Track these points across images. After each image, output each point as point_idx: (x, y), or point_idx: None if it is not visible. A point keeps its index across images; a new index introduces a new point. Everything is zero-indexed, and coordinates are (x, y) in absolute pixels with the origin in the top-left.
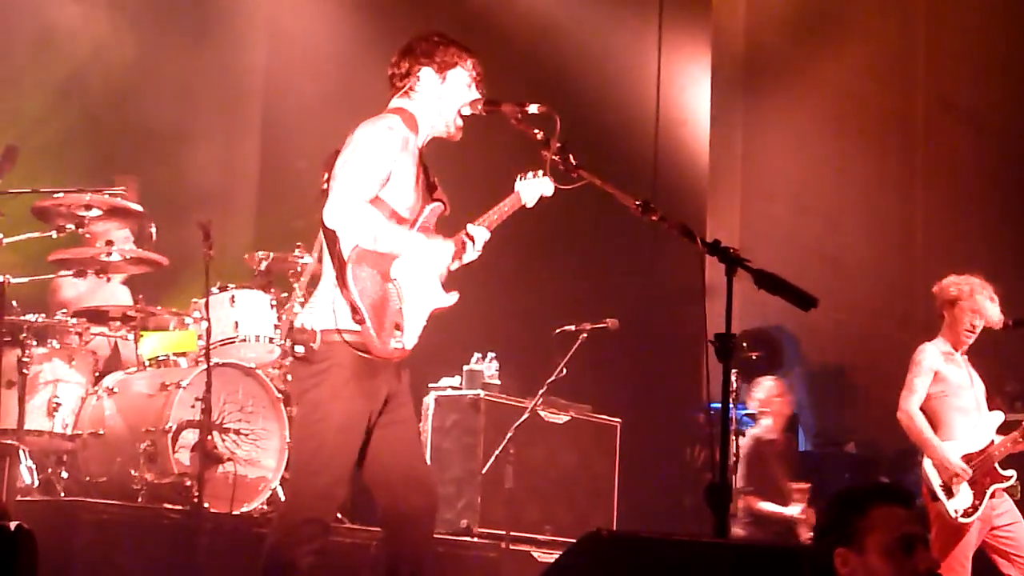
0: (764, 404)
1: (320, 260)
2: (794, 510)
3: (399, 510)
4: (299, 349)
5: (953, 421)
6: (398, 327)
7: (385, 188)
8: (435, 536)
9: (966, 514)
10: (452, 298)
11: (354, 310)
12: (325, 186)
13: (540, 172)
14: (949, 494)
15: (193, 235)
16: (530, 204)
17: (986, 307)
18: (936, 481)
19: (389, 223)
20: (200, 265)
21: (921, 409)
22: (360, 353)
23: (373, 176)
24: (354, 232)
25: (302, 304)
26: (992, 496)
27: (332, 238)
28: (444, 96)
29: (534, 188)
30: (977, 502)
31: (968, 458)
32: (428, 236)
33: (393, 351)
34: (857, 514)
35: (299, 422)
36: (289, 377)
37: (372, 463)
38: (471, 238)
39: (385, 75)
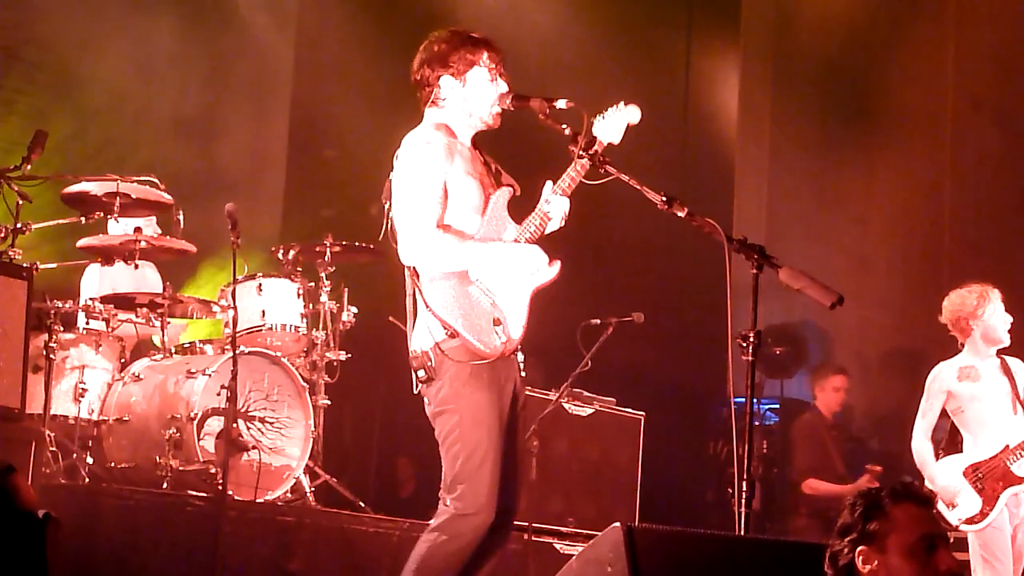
0: (825, 392)
1: (348, 250)
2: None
3: (501, 511)
4: (421, 373)
5: (974, 432)
6: (496, 322)
7: (447, 204)
8: None
9: (971, 521)
10: (554, 269)
11: (444, 326)
12: (388, 218)
13: (619, 105)
14: (951, 507)
15: (221, 223)
16: (616, 140)
17: (1002, 315)
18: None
19: (464, 244)
20: (228, 253)
21: (947, 425)
22: (471, 362)
23: (432, 199)
24: (438, 264)
25: (328, 294)
26: (1016, 501)
27: (408, 267)
28: (470, 98)
29: (617, 122)
30: (987, 508)
31: (975, 467)
32: (504, 229)
33: (499, 347)
34: (879, 513)
35: (441, 434)
36: (426, 401)
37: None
38: (546, 208)
39: (411, 62)
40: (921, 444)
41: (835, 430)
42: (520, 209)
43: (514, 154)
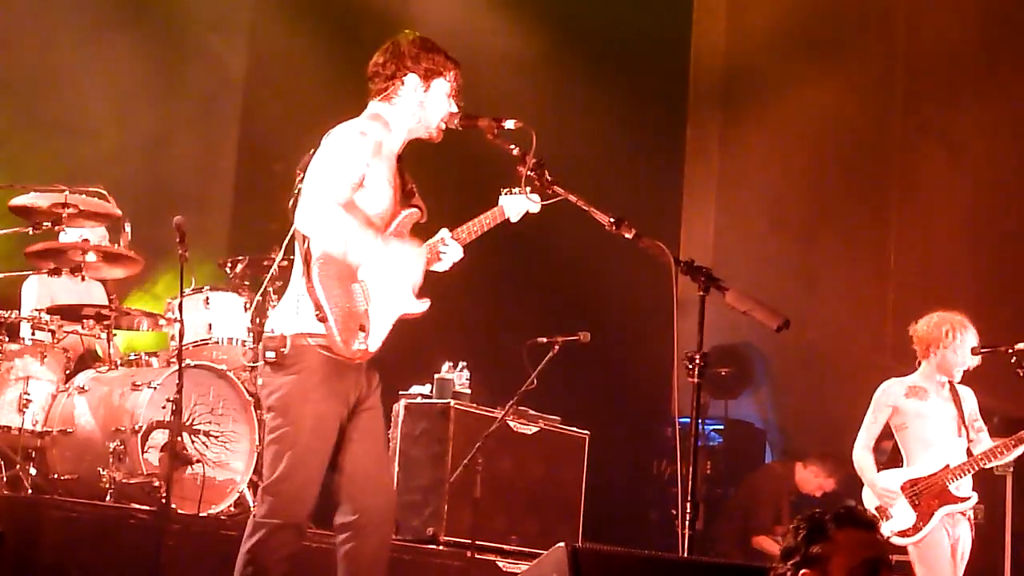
0: (807, 472)
1: (289, 259)
2: None
3: (360, 514)
4: (270, 354)
5: (915, 450)
6: (362, 328)
7: (359, 193)
8: (401, 543)
9: (903, 534)
10: (423, 305)
11: (317, 307)
12: (298, 188)
13: (527, 188)
14: (884, 516)
15: (168, 236)
16: (514, 219)
17: (965, 352)
18: (870, 504)
19: (362, 230)
20: (175, 265)
21: (889, 440)
22: (325, 353)
23: (345, 180)
24: (326, 238)
25: (272, 307)
26: (951, 521)
27: (302, 237)
28: (425, 104)
29: (520, 204)
30: (921, 523)
31: (913, 482)
32: (401, 241)
33: (356, 352)
34: (822, 537)
35: (270, 426)
36: (260, 381)
37: (337, 466)
38: (441, 249)
39: (361, 82)
40: (862, 453)
41: (795, 497)
42: (424, 236)
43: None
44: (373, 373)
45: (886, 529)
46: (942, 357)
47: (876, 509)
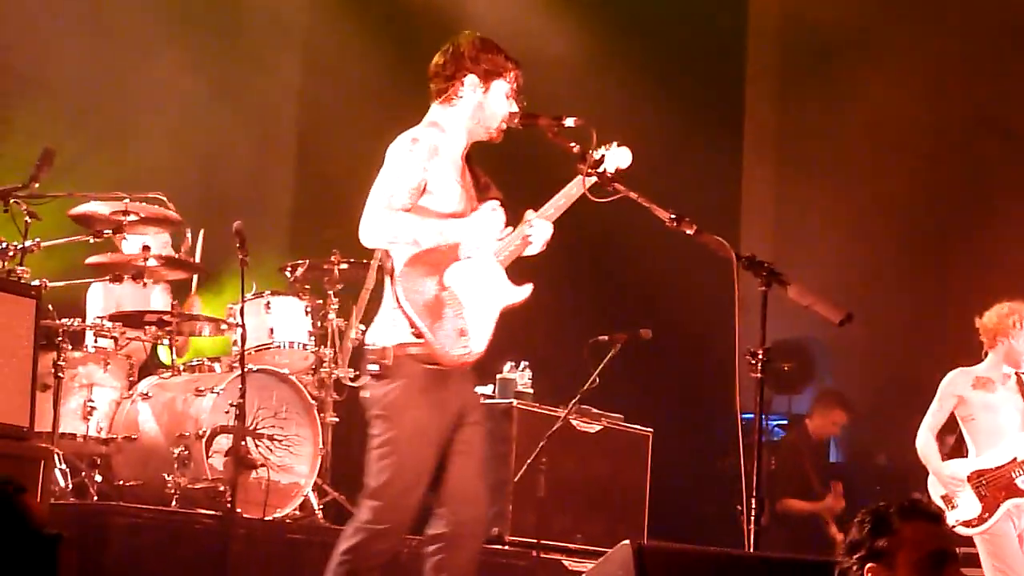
0: (825, 419)
1: (356, 267)
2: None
3: (453, 527)
4: (372, 367)
5: (981, 442)
6: (463, 333)
7: (426, 197)
8: None
9: (968, 524)
10: (524, 291)
11: (411, 324)
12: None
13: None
14: (950, 505)
15: (229, 241)
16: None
17: None
18: (936, 494)
19: (425, 220)
20: (236, 271)
21: (956, 432)
22: (428, 365)
23: (400, 188)
24: (388, 240)
25: (337, 312)
26: (1011, 510)
27: (385, 254)
28: (485, 106)
29: (610, 159)
30: (986, 514)
31: (979, 473)
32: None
33: (460, 357)
34: (887, 530)
35: (374, 434)
36: (366, 394)
37: (438, 476)
38: (527, 231)
39: (417, 86)
40: (927, 439)
41: (817, 452)
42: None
43: (516, 175)
44: (475, 388)
45: (951, 518)
46: (1009, 347)
47: (942, 498)
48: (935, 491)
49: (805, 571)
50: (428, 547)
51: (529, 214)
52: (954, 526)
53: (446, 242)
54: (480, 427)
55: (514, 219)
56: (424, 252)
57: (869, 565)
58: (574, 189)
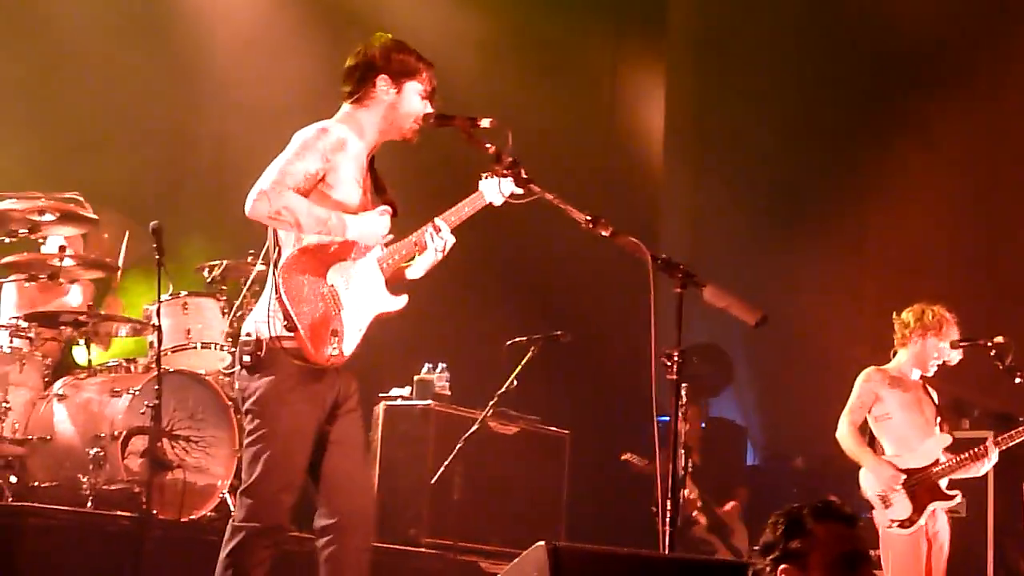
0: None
1: (266, 264)
2: None
3: (339, 517)
4: (246, 358)
5: (895, 442)
6: (335, 333)
7: (323, 189)
8: (382, 545)
9: (901, 525)
10: (400, 302)
11: (286, 316)
12: None
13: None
14: (885, 504)
15: (146, 241)
16: (497, 202)
17: (951, 342)
18: (872, 491)
19: (312, 206)
20: (153, 271)
21: (866, 430)
22: (297, 361)
23: (297, 168)
24: (273, 213)
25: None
26: (933, 514)
27: (273, 244)
28: (397, 106)
29: (500, 186)
30: (915, 516)
31: (909, 472)
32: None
33: (328, 358)
34: (801, 531)
35: (248, 429)
36: (237, 384)
37: (316, 469)
38: (429, 239)
39: (338, 82)
40: (852, 433)
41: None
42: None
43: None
44: (351, 376)
45: (886, 517)
46: (922, 346)
47: (878, 496)
48: (870, 488)
49: (719, 572)
50: (318, 540)
51: (435, 221)
52: (889, 526)
53: (327, 233)
54: (355, 414)
55: (414, 225)
56: (311, 248)
57: (783, 566)
58: (480, 198)
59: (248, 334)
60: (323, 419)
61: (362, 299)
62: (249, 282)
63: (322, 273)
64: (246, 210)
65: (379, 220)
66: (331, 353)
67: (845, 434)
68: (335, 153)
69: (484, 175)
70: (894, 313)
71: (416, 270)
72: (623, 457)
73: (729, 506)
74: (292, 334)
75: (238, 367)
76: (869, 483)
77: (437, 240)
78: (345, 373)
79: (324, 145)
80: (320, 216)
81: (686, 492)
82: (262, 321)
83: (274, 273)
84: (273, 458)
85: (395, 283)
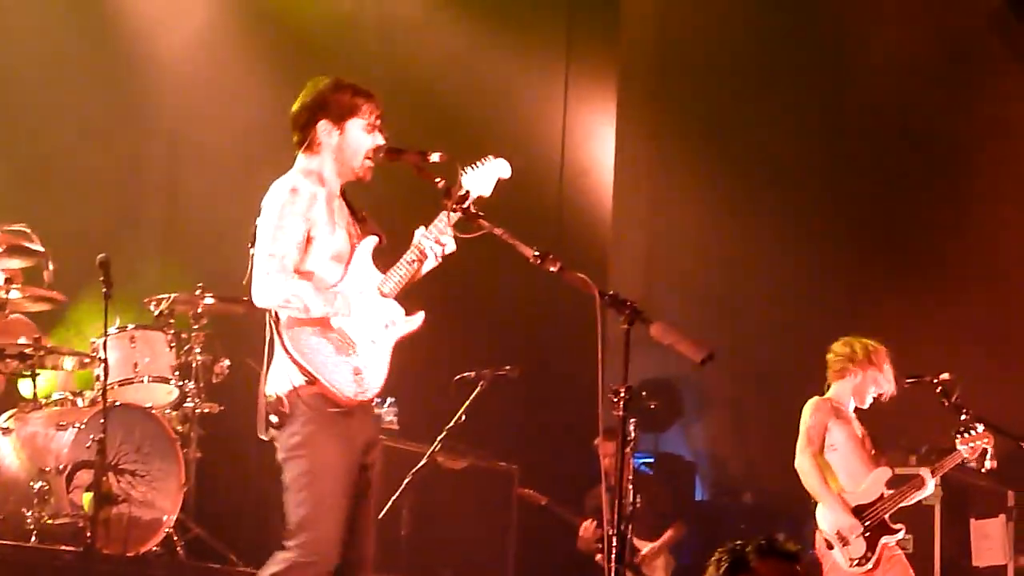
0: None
1: (223, 300)
2: None
3: (342, 561)
4: (273, 418)
5: (844, 475)
6: (357, 372)
7: (311, 244)
8: None
9: (860, 563)
10: (417, 320)
11: (303, 372)
12: (251, 264)
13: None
14: (844, 543)
15: (93, 273)
16: (487, 193)
17: (889, 378)
18: (831, 530)
19: (316, 293)
20: (100, 303)
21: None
22: (329, 408)
23: (289, 245)
24: (283, 303)
25: (202, 347)
26: (884, 548)
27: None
28: (344, 146)
29: (487, 175)
30: (870, 553)
31: (859, 509)
32: (369, 277)
33: (357, 395)
34: (744, 569)
35: (290, 477)
36: (277, 445)
37: None
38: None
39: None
40: (814, 468)
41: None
42: (388, 259)
43: (386, 202)
44: (377, 422)
45: (845, 556)
46: (862, 379)
47: (837, 535)
48: (829, 527)
49: None
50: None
51: (417, 235)
52: (850, 565)
53: (333, 313)
54: (375, 470)
55: (401, 244)
56: None
57: None
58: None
59: (269, 395)
60: (358, 459)
61: (374, 331)
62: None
63: (326, 321)
64: (255, 302)
65: (390, 309)
66: (359, 391)
67: (807, 469)
68: (311, 209)
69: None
70: (832, 345)
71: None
72: (519, 492)
73: (658, 542)
74: (314, 386)
75: (269, 430)
76: (828, 522)
77: (436, 245)
78: (371, 418)
79: (300, 206)
80: (326, 299)
81: (586, 524)
82: (278, 379)
83: (277, 334)
84: (316, 494)
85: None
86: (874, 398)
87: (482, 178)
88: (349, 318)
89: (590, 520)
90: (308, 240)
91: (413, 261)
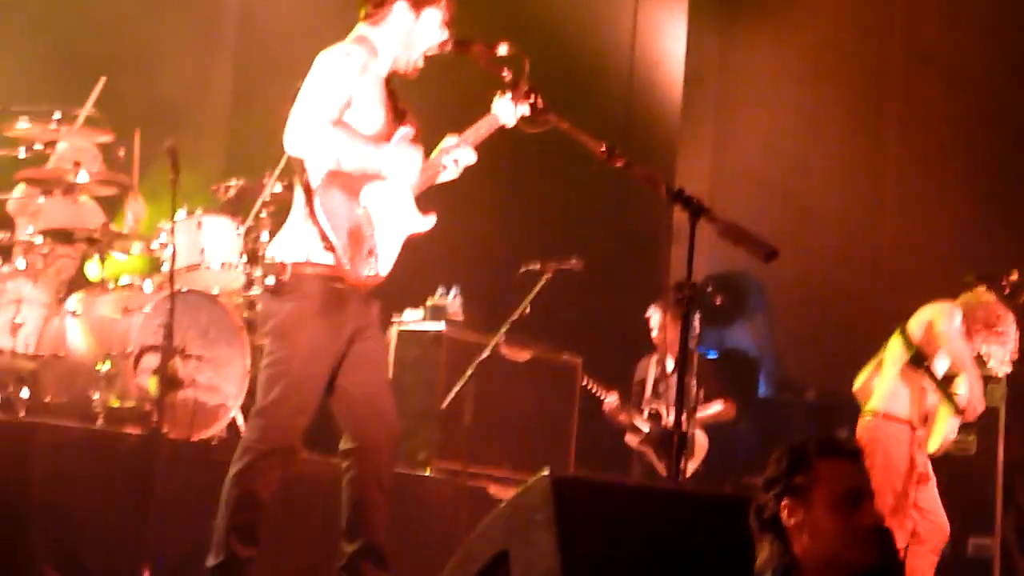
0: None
1: (290, 189)
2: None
3: (362, 441)
4: (269, 280)
5: None
6: (371, 253)
7: (349, 112)
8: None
9: None
10: (430, 221)
11: (323, 237)
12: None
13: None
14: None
15: (163, 157)
16: (510, 123)
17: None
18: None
19: (354, 139)
20: (168, 188)
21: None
22: (332, 284)
23: (332, 100)
24: (316, 153)
25: (270, 233)
26: None
27: (300, 167)
28: (414, 32)
29: (514, 107)
30: None
31: None
32: (397, 147)
33: (367, 278)
34: (804, 467)
35: (267, 351)
36: (258, 307)
37: (339, 394)
38: (446, 159)
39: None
40: None
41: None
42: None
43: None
44: (373, 302)
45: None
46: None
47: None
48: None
49: (721, 506)
50: (342, 464)
51: (448, 140)
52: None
53: (366, 168)
54: (377, 341)
55: (430, 144)
56: (343, 171)
57: (785, 501)
58: (494, 120)
59: (273, 257)
60: (343, 346)
61: (394, 219)
62: (265, 202)
63: (355, 194)
64: (287, 149)
65: (414, 154)
66: (369, 273)
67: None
68: (360, 77)
69: (498, 95)
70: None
71: (441, 178)
72: (583, 384)
73: (705, 411)
74: (330, 255)
75: (260, 290)
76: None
77: (457, 156)
78: (370, 300)
79: (351, 70)
80: (360, 150)
81: (609, 400)
82: (290, 245)
83: (307, 195)
84: (289, 382)
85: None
86: None
87: (507, 109)
88: (377, 199)
89: (615, 396)
90: (348, 103)
91: (429, 168)
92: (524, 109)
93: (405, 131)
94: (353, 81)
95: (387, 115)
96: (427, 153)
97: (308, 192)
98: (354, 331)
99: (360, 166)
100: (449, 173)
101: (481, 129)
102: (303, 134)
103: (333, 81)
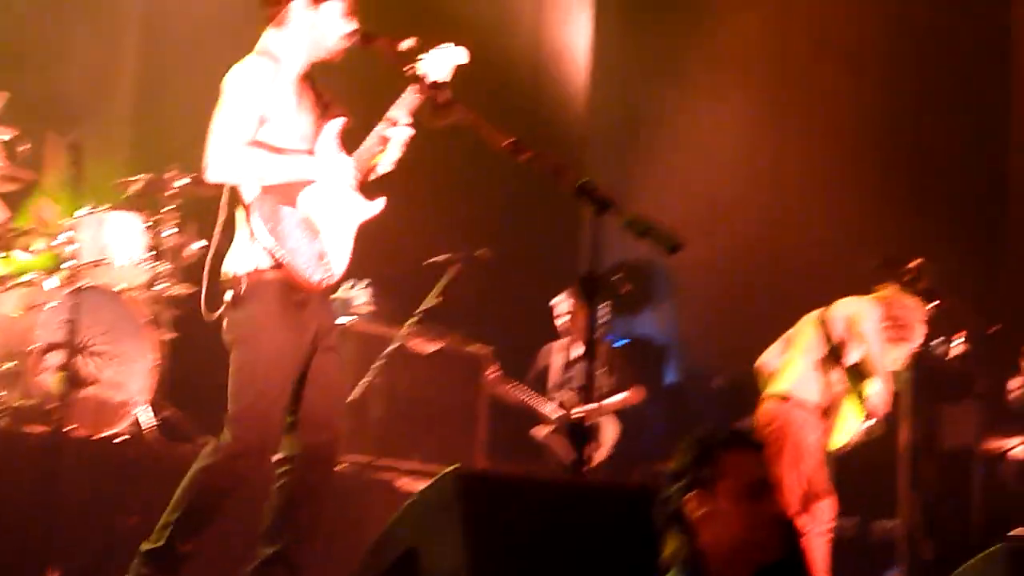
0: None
1: (231, 206)
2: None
3: (304, 450)
4: (227, 295)
5: None
6: (322, 256)
7: (268, 127)
8: None
9: None
10: (378, 205)
11: (270, 255)
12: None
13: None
14: None
15: (65, 152)
16: (444, 79)
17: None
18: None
19: (271, 156)
20: (71, 183)
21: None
22: (288, 289)
23: (243, 121)
24: (237, 177)
25: (177, 227)
26: None
27: (232, 188)
28: (317, 26)
29: (444, 60)
30: None
31: None
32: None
33: (322, 281)
34: (708, 460)
35: (232, 359)
36: (224, 324)
37: (294, 401)
38: (392, 123)
39: None
40: None
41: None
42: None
43: (350, 93)
44: (331, 308)
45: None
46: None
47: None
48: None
49: (626, 498)
50: (277, 469)
51: (380, 126)
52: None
53: (292, 179)
54: (333, 352)
55: (360, 134)
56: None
57: (690, 494)
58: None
59: (226, 273)
60: (307, 349)
61: (338, 215)
62: (220, 221)
63: (292, 202)
64: (206, 177)
65: (337, 153)
66: (324, 276)
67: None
68: (269, 88)
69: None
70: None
71: (384, 165)
72: (490, 375)
73: (612, 400)
74: (279, 270)
75: (223, 307)
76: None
77: (387, 133)
78: (327, 304)
79: (256, 86)
80: (281, 164)
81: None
82: (240, 258)
83: (245, 213)
84: (257, 386)
85: (367, 185)
86: None
87: (438, 63)
88: (313, 200)
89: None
90: (263, 121)
91: (373, 146)
92: (451, 60)
93: (334, 123)
94: (262, 96)
95: (312, 113)
96: (361, 139)
97: (245, 209)
98: (316, 331)
99: (285, 179)
100: (392, 154)
101: (407, 99)
102: (220, 161)
103: (240, 102)
